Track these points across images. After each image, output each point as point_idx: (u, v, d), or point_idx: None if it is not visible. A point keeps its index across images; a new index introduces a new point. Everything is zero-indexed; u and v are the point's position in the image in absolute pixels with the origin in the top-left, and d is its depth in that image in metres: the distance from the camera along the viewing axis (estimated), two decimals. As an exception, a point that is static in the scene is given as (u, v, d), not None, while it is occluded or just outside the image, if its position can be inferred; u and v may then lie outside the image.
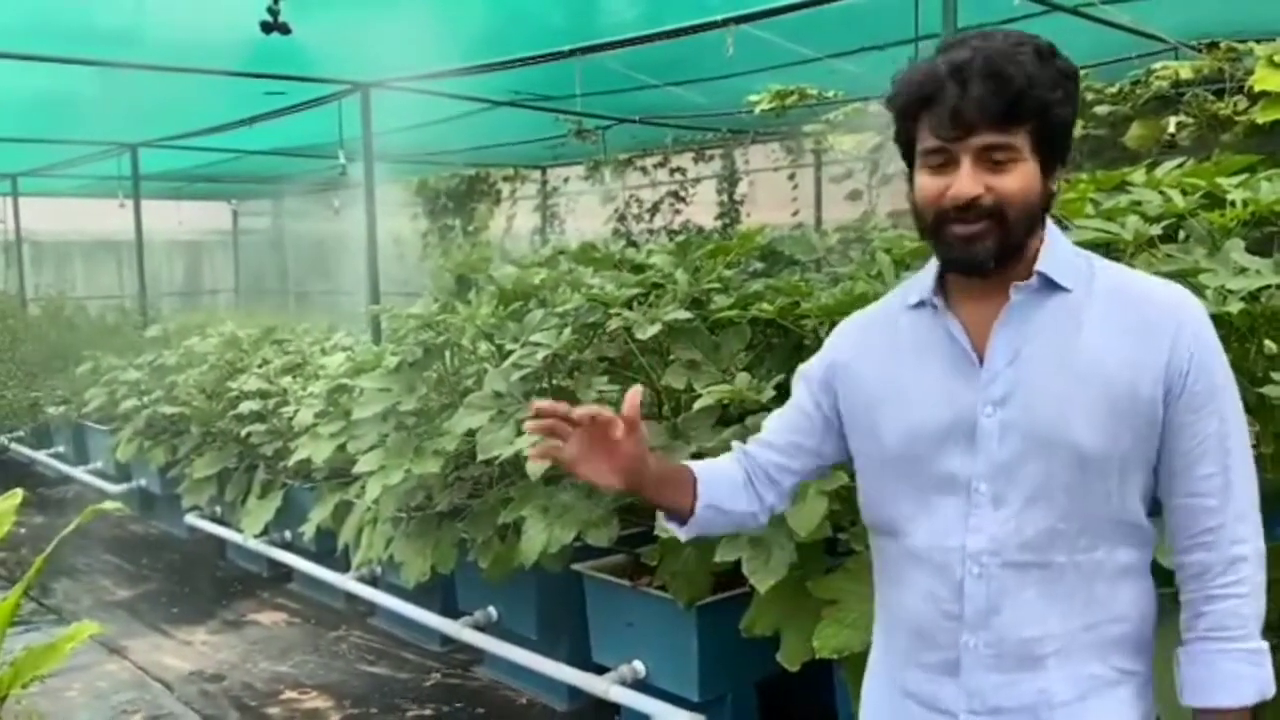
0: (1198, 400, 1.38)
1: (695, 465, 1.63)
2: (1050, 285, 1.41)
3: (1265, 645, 1.40)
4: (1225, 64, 5.14)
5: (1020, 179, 1.36)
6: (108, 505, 2.15)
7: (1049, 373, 1.39)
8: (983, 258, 1.39)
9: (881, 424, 1.51)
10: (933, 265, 1.50)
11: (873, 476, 1.56)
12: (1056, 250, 1.43)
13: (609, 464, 1.46)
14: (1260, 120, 4.78)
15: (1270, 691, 1.41)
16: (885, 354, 1.53)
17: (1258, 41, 4.91)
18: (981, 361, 1.43)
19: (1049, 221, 1.44)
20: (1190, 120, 5.27)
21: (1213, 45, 5.22)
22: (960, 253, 1.40)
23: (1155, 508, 1.47)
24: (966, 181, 1.35)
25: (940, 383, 1.46)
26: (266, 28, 3.22)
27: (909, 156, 1.43)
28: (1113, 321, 1.40)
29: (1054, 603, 1.41)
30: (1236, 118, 5.16)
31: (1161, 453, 1.41)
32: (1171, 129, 5.24)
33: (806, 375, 1.64)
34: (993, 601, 1.43)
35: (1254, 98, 5.05)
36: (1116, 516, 1.41)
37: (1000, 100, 1.33)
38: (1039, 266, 1.41)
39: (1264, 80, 4.59)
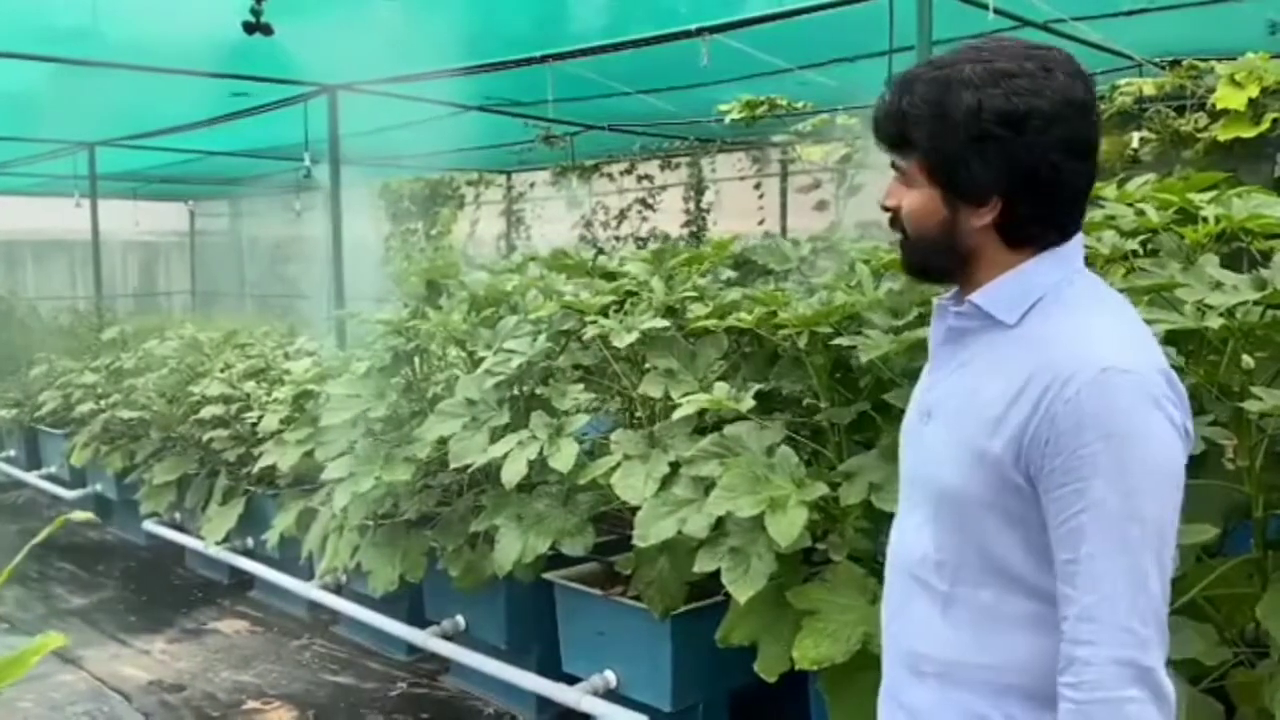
0: (1057, 478, 1.25)
1: None
2: (986, 315, 1.37)
3: None
4: (1187, 81, 5.24)
5: (913, 201, 1.39)
6: (78, 515, 2.09)
7: (948, 403, 1.41)
8: (903, 263, 1.47)
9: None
10: None
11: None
12: (1013, 281, 1.35)
13: None
14: (1221, 138, 4.89)
15: None
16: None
17: (1219, 60, 5.02)
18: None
19: (1052, 254, 1.35)
20: (1153, 136, 5.36)
21: (1175, 63, 5.32)
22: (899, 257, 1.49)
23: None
24: (885, 191, 1.43)
25: (921, 380, 1.54)
26: (249, 28, 3.17)
27: None
28: (1008, 365, 1.32)
29: (941, 628, 1.40)
30: (1198, 134, 5.27)
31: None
32: (1135, 144, 5.33)
33: None
34: (900, 603, 1.49)
35: (1215, 115, 5.16)
36: (1000, 563, 1.34)
37: (886, 123, 1.39)
38: (972, 296, 1.38)
39: (1225, 99, 4.70)
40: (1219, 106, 4.70)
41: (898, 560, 1.50)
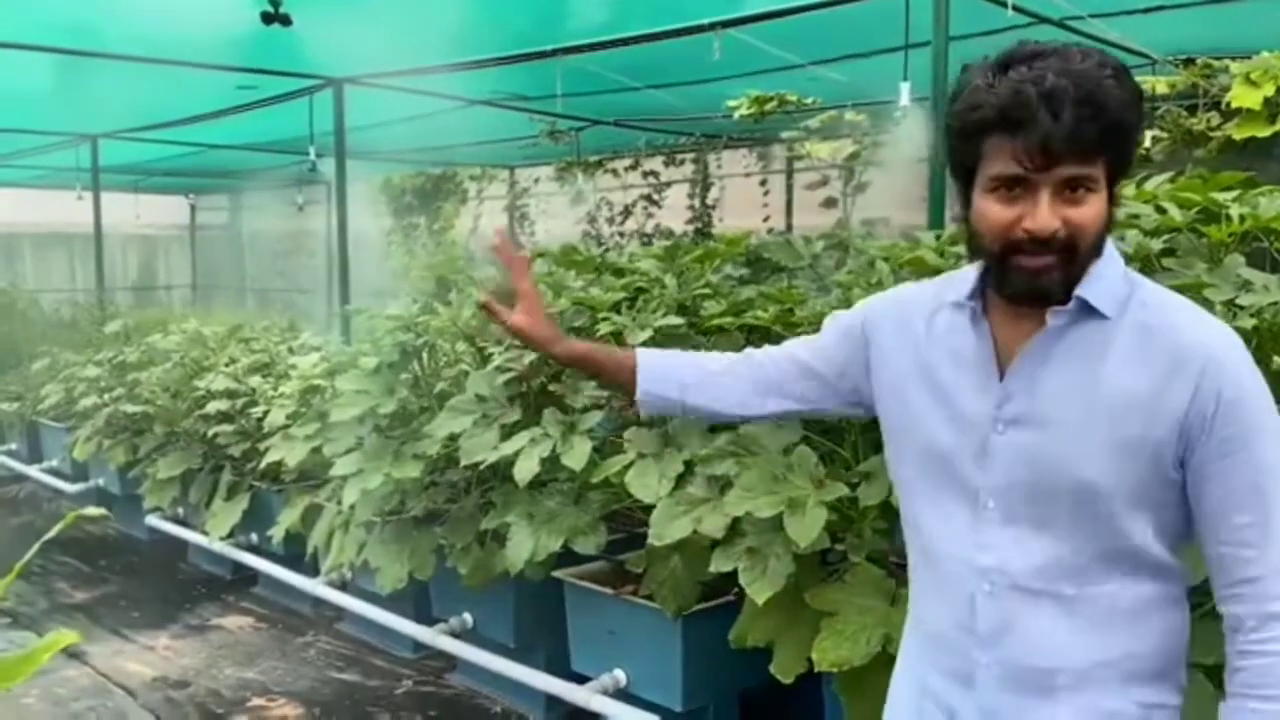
0: (1228, 446, 1.31)
1: (644, 356, 1.76)
2: (1087, 310, 1.35)
3: None
4: (1200, 80, 5.21)
5: (1094, 210, 1.31)
6: (91, 511, 2.06)
7: (1063, 402, 1.36)
8: (1050, 290, 1.34)
9: (908, 409, 1.51)
10: (974, 267, 1.46)
11: (898, 451, 1.56)
12: (1104, 272, 1.36)
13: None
14: (1236, 136, 4.86)
15: None
16: (920, 343, 1.50)
17: (1233, 59, 4.99)
18: (1002, 377, 1.40)
19: (1109, 247, 1.39)
20: (1165, 135, 5.33)
21: (1188, 61, 5.29)
22: (1027, 285, 1.34)
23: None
24: (1046, 215, 1.29)
25: (962, 389, 1.44)
26: (268, 18, 3.15)
27: (967, 173, 1.36)
28: (1138, 355, 1.34)
29: (1069, 635, 1.38)
30: (1210, 133, 5.24)
31: (1190, 496, 1.35)
32: (1147, 143, 5.30)
33: (839, 322, 1.66)
34: (1004, 623, 1.41)
35: (1227, 114, 5.13)
36: (1129, 551, 1.36)
37: (1092, 128, 1.26)
38: (1079, 291, 1.34)
39: (1240, 97, 4.67)
40: (1234, 105, 4.67)
41: (992, 579, 1.41)
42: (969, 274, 1.46)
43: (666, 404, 1.75)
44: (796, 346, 1.70)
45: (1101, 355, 1.35)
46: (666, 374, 1.73)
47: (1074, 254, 1.32)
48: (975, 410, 1.42)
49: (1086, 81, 1.26)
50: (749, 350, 1.74)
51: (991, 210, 1.32)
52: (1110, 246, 1.38)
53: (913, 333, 1.52)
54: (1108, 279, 1.36)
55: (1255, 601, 1.31)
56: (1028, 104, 1.25)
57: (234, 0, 3.89)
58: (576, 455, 3.21)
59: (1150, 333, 1.34)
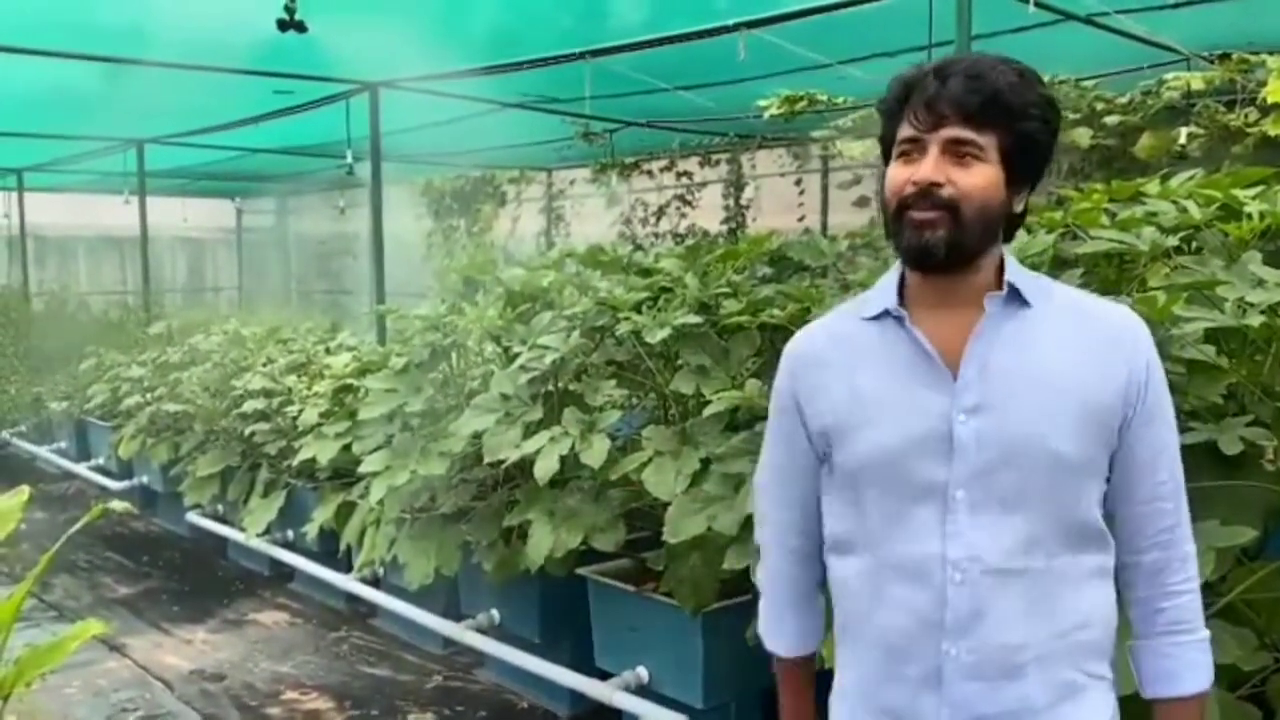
0: (1152, 412, 1.46)
1: (801, 648, 1.77)
2: (1016, 299, 1.45)
3: (1209, 635, 1.51)
4: (1237, 75, 5.13)
5: (981, 178, 1.40)
6: (116, 505, 2.13)
7: (1022, 383, 1.43)
8: (934, 244, 1.41)
9: (852, 437, 1.49)
10: (890, 278, 1.51)
11: (840, 490, 1.54)
12: (1019, 267, 1.49)
13: None
14: (1272, 132, 4.78)
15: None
16: (848, 367, 1.52)
17: (1270, 53, 4.90)
18: (953, 371, 1.44)
19: (1005, 249, 1.50)
20: (1201, 131, 5.25)
21: (1225, 56, 5.20)
22: (913, 239, 1.42)
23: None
24: (929, 166, 1.40)
25: (910, 392, 1.46)
26: (283, 25, 3.21)
27: (889, 156, 1.48)
28: (1074, 336, 1.45)
29: (1032, 609, 1.44)
30: (1247, 129, 5.15)
31: (1117, 462, 1.47)
32: (1182, 140, 5.23)
33: (778, 404, 1.63)
34: (976, 608, 1.43)
35: (1265, 110, 5.04)
36: (1082, 523, 1.45)
37: (974, 97, 1.39)
38: (1009, 278, 1.45)
39: (1276, 92, 4.58)
40: (1269, 100, 4.59)
41: (963, 567, 1.42)
42: (884, 287, 1.51)
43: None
44: (790, 490, 1.65)
45: (1038, 339, 1.45)
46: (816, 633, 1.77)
47: (958, 216, 1.40)
48: (929, 408, 1.44)
49: (980, 64, 1.42)
50: (781, 550, 1.71)
51: (892, 172, 1.45)
52: (1008, 252, 1.50)
53: (837, 362, 1.53)
54: (1024, 274, 1.48)
55: (1175, 546, 1.49)
56: (923, 75, 1.43)
57: (269, 7, 3.97)
58: (595, 453, 3.24)
59: (1077, 315, 1.48)
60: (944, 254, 1.41)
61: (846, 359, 1.52)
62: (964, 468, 1.42)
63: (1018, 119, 1.40)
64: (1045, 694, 1.44)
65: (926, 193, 1.40)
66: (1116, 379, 1.44)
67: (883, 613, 1.49)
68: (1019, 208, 1.47)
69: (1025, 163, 1.43)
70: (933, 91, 1.40)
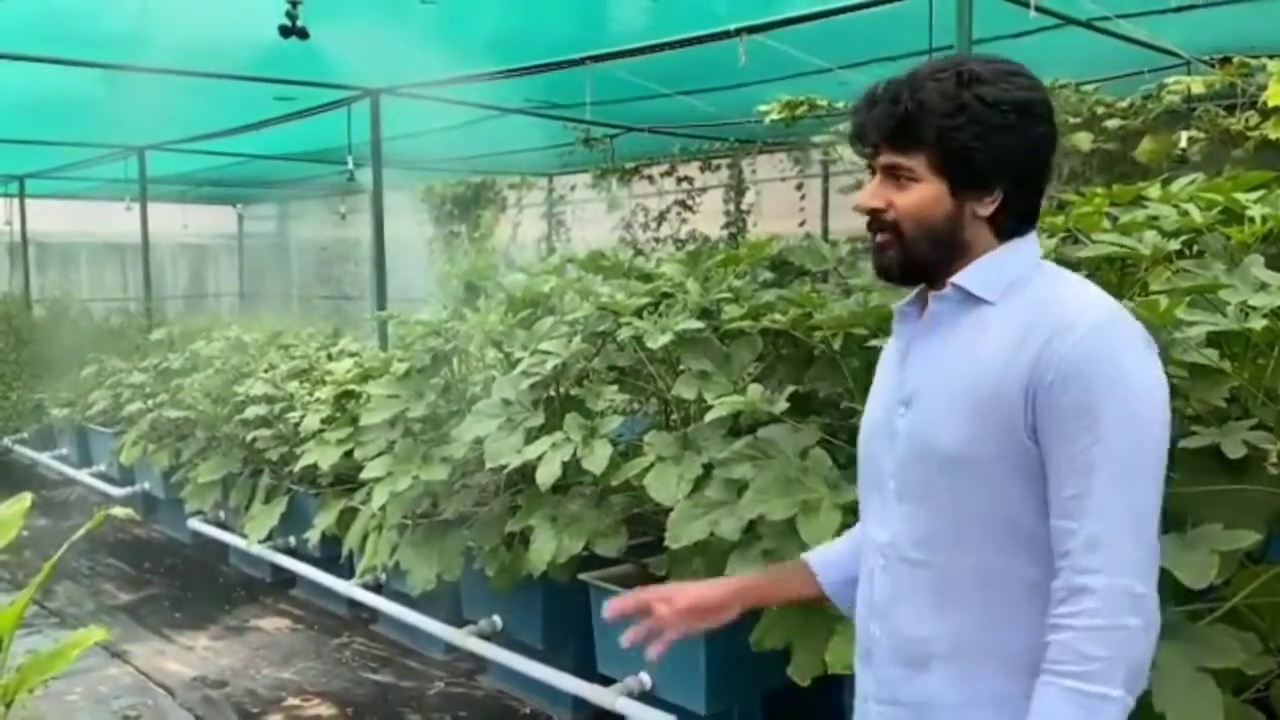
0: (1067, 414, 1.32)
1: (811, 554, 1.80)
2: (970, 297, 1.45)
3: (1113, 693, 1.27)
4: (1237, 79, 5.12)
5: (915, 198, 1.43)
6: (118, 511, 2.13)
7: (937, 377, 1.46)
8: (886, 266, 1.49)
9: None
10: None
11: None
12: (990, 264, 1.45)
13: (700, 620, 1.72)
14: (1272, 136, 4.77)
15: None
16: (885, 354, 1.64)
17: (1270, 57, 4.90)
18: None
19: (1023, 241, 1.48)
20: (1201, 135, 5.24)
21: (1225, 60, 5.20)
22: (874, 260, 1.51)
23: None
24: (865, 194, 1.48)
25: (884, 384, 1.58)
26: (285, 31, 3.22)
27: None
28: (1006, 327, 1.41)
29: (945, 605, 1.43)
30: (1248, 133, 5.14)
31: (1045, 467, 1.36)
32: (1183, 144, 5.22)
33: None
34: (893, 594, 1.49)
35: (1265, 113, 5.03)
36: (1007, 525, 1.38)
37: (889, 122, 1.42)
38: (954, 278, 1.45)
39: (1277, 96, 4.58)
40: (1270, 104, 4.58)
41: (885, 553, 1.50)
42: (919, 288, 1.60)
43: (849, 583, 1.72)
44: None
45: (980, 335, 1.43)
46: (840, 560, 1.74)
47: (902, 237, 1.45)
48: (887, 400, 1.55)
49: (901, 83, 1.43)
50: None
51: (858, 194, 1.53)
52: (1023, 242, 1.48)
53: (887, 347, 1.65)
54: (996, 268, 1.45)
55: (1066, 574, 1.32)
56: (859, 103, 1.48)
57: (269, 13, 3.98)
58: (597, 459, 3.24)
59: (1025, 305, 1.41)
60: (898, 272, 1.49)
61: (888, 347, 1.64)
62: (894, 458, 1.50)
63: (942, 134, 1.39)
64: (953, 692, 1.43)
65: (873, 219, 1.47)
66: (1018, 372, 1.36)
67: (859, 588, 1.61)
68: (985, 210, 1.43)
69: (965, 170, 1.41)
70: (860, 120, 1.47)
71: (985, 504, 1.39)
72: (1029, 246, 1.49)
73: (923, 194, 1.43)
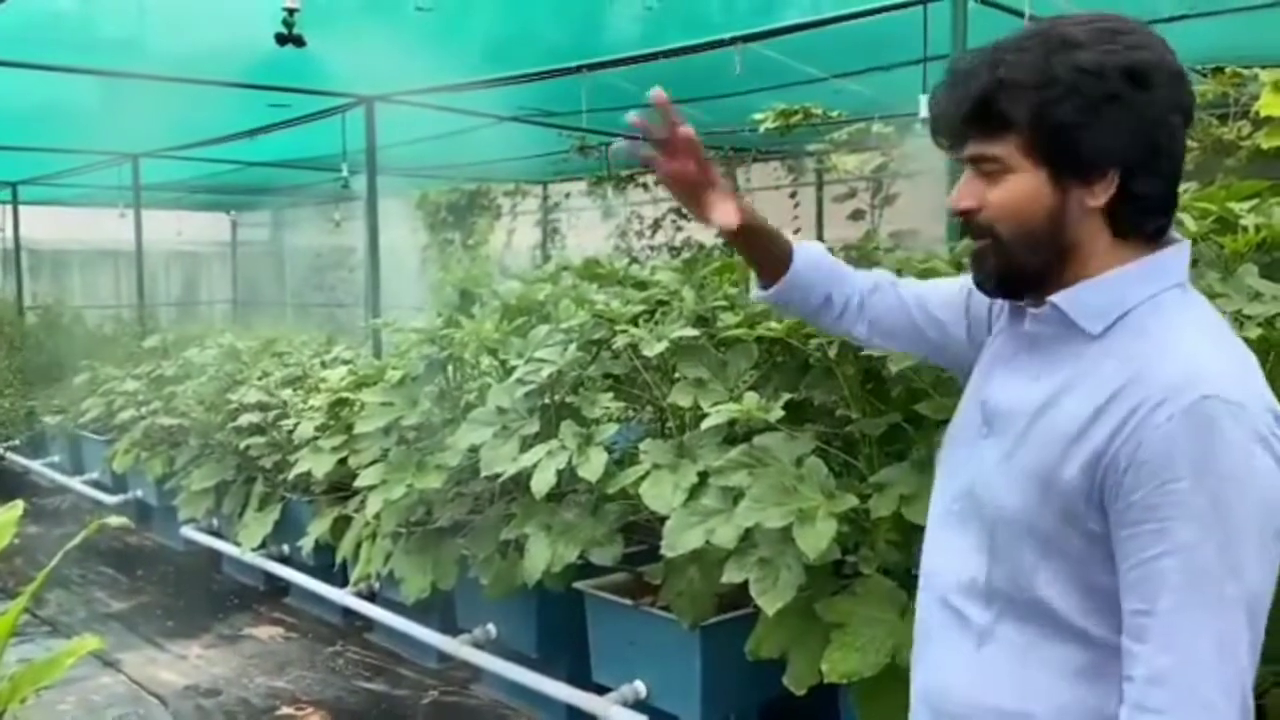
0: (1135, 513, 1.09)
1: (803, 247, 1.64)
2: (1070, 323, 1.22)
3: None
4: (1230, 89, 5.14)
5: (1007, 193, 1.21)
6: (113, 520, 2.12)
7: (1013, 420, 1.24)
8: (982, 278, 1.28)
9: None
10: None
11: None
12: (1104, 283, 1.21)
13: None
14: (1265, 145, 4.79)
15: None
16: (993, 337, 1.42)
17: (1263, 67, 4.92)
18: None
19: (1161, 254, 1.22)
20: (1194, 144, 5.26)
21: (1218, 70, 5.22)
22: (972, 272, 1.30)
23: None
24: (956, 193, 1.26)
25: (975, 383, 1.38)
26: (281, 39, 3.21)
27: None
28: (1094, 379, 1.17)
29: (974, 664, 1.26)
30: (1240, 143, 5.16)
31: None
32: (1176, 153, 5.23)
33: (971, 289, 1.43)
34: (925, 630, 1.36)
35: (1258, 123, 5.06)
36: (1046, 602, 1.19)
37: (959, 110, 1.21)
38: (1054, 298, 1.22)
39: (1269, 105, 4.59)
40: (1263, 114, 4.60)
41: (935, 582, 1.33)
42: None
43: (807, 295, 1.63)
44: (932, 293, 1.58)
45: (1063, 376, 1.21)
46: (818, 263, 1.63)
47: (999, 240, 1.23)
48: (972, 409, 1.35)
49: (974, 58, 1.21)
50: (887, 280, 1.63)
51: None
52: (1151, 261, 1.22)
53: (995, 325, 1.44)
54: (1108, 288, 1.20)
55: (1129, 706, 1.12)
56: (937, 87, 1.27)
57: (264, 21, 3.98)
58: (592, 467, 3.24)
59: (1114, 358, 1.17)
60: (996, 287, 1.28)
61: (996, 332, 1.46)
62: (965, 479, 1.32)
63: (1034, 112, 1.17)
64: None
65: (967, 222, 1.26)
66: (1091, 448, 1.14)
67: None
68: (1097, 200, 1.18)
69: (1066, 152, 1.17)
70: (935, 113, 1.25)
71: (1030, 574, 1.21)
72: (1155, 269, 1.21)
73: (1017, 186, 1.20)
